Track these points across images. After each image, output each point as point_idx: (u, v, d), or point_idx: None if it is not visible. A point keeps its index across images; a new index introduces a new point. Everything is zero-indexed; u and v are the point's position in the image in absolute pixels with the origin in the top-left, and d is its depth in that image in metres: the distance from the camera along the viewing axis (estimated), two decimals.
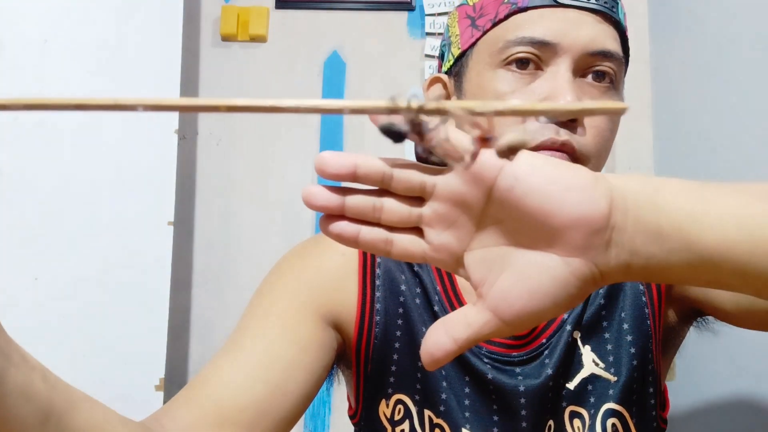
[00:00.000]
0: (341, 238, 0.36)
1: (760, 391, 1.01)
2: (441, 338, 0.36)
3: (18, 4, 1.22)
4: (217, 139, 1.50)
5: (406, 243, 0.37)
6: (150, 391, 1.19)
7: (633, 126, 1.47)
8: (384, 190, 0.37)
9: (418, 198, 0.37)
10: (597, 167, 0.59)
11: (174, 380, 1.36)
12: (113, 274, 1.20)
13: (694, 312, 0.67)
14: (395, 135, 0.30)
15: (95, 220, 1.21)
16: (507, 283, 0.35)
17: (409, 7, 1.51)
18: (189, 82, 1.48)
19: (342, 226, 0.36)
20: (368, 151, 1.47)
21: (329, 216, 0.36)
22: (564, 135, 0.55)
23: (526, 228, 0.35)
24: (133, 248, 1.22)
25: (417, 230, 0.37)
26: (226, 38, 1.51)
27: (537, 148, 0.55)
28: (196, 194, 1.48)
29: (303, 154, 1.48)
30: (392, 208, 0.37)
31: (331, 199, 0.35)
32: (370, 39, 1.51)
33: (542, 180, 0.34)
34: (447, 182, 0.36)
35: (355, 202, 0.36)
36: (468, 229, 0.36)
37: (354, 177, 0.35)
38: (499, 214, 0.35)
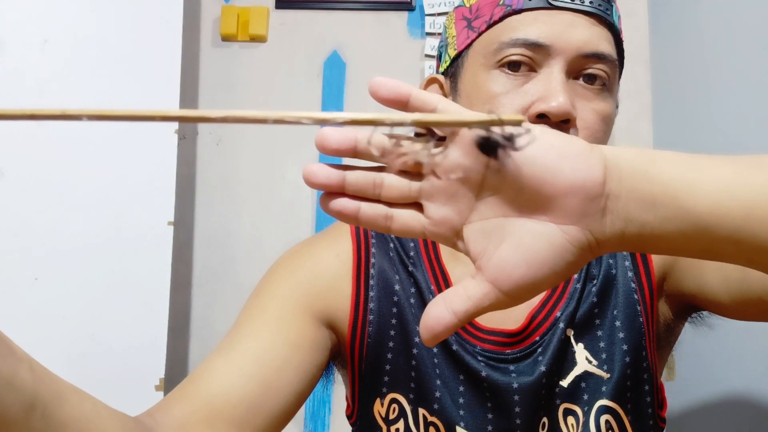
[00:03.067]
0: (342, 215, 0.37)
1: (760, 390, 1.01)
2: (441, 312, 0.36)
3: (18, 4, 1.22)
4: (217, 139, 1.50)
5: (406, 218, 0.38)
6: (150, 391, 1.20)
7: (633, 126, 1.47)
8: (384, 166, 0.37)
9: (417, 173, 0.38)
10: None
11: (174, 380, 1.36)
12: (113, 274, 1.21)
13: (688, 307, 0.67)
14: (491, 148, 0.33)
15: (95, 220, 1.21)
16: (505, 254, 0.35)
17: (409, 7, 1.51)
18: (189, 82, 1.48)
19: (342, 203, 0.36)
20: None
21: (330, 193, 0.37)
22: None
23: (524, 197, 0.35)
24: (133, 248, 1.22)
25: (417, 206, 0.38)
26: (226, 38, 1.51)
27: None
28: (196, 194, 1.48)
29: (303, 154, 1.48)
30: (392, 183, 0.37)
31: (332, 176, 0.36)
32: (370, 39, 1.51)
33: (539, 148, 0.34)
34: (446, 155, 0.36)
35: (355, 178, 0.36)
36: (467, 202, 0.37)
37: (354, 152, 0.36)
38: (497, 185, 0.36)
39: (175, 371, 1.40)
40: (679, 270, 0.65)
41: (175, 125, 1.28)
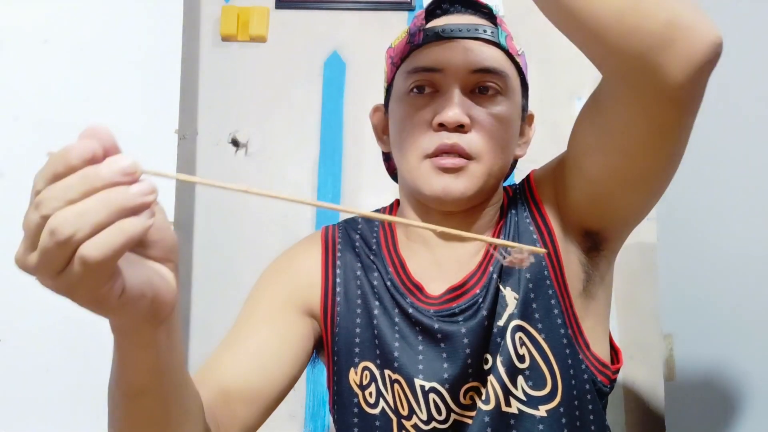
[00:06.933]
0: None
1: (760, 390, 1.01)
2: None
3: (18, 4, 1.22)
4: (217, 139, 1.50)
5: None
6: None
7: None
8: None
9: None
10: (492, 162, 0.73)
11: None
12: None
13: (585, 232, 0.74)
14: None
15: None
16: None
17: (409, 7, 1.51)
18: (189, 82, 1.48)
19: None
20: (365, 151, 1.47)
21: None
22: (454, 138, 0.70)
23: None
24: None
25: None
26: (226, 38, 1.51)
27: (435, 153, 0.70)
28: (196, 194, 1.48)
29: (303, 155, 1.48)
30: None
31: None
32: (370, 39, 1.51)
33: None
34: None
35: None
36: None
37: None
38: None
39: None
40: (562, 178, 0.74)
41: (176, 125, 1.28)
